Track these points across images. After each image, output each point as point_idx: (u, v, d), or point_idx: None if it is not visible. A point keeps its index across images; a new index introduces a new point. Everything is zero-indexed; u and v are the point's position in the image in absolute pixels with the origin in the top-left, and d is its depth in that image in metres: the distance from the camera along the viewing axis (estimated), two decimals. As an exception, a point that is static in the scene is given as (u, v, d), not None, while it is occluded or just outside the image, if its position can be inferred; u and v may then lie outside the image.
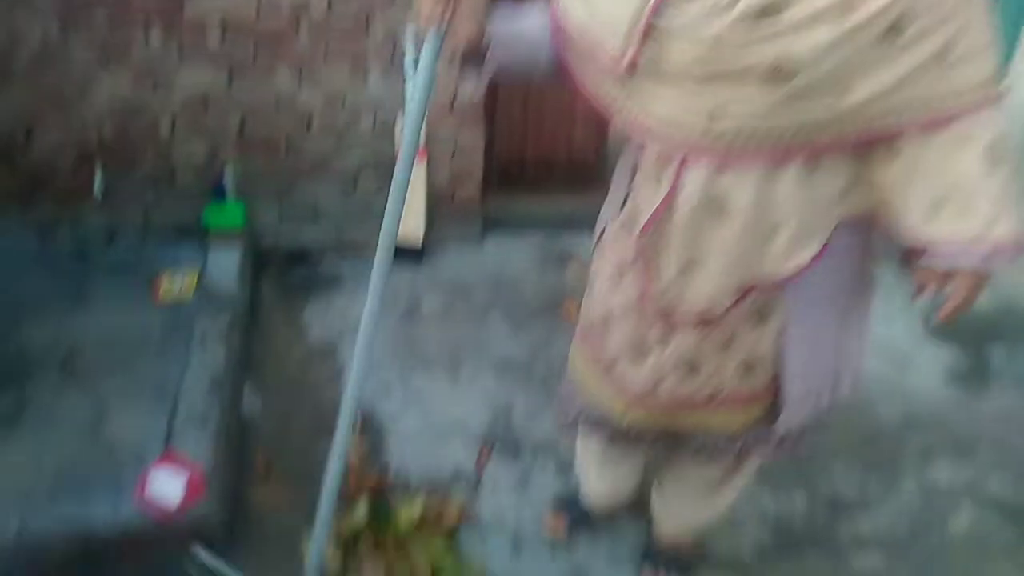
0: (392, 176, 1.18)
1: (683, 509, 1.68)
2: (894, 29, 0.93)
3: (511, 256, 2.64)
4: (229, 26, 2.18)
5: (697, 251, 1.15)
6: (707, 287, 1.17)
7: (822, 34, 0.93)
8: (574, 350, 1.47)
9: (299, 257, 2.55)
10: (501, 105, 2.60)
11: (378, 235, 1.21)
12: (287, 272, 2.51)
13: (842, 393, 1.30)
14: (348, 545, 1.79)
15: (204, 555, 1.54)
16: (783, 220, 1.09)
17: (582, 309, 1.43)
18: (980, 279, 1.06)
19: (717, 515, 1.67)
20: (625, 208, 1.24)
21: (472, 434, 2.09)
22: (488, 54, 1.15)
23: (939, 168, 1.01)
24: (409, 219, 2.49)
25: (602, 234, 1.34)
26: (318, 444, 1.86)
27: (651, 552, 1.81)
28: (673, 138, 1.07)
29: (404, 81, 2.31)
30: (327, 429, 1.49)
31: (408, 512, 1.84)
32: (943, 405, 2.28)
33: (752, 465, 1.53)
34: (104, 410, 1.88)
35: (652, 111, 1.07)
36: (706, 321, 1.20)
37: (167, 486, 1.70)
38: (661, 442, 1.45)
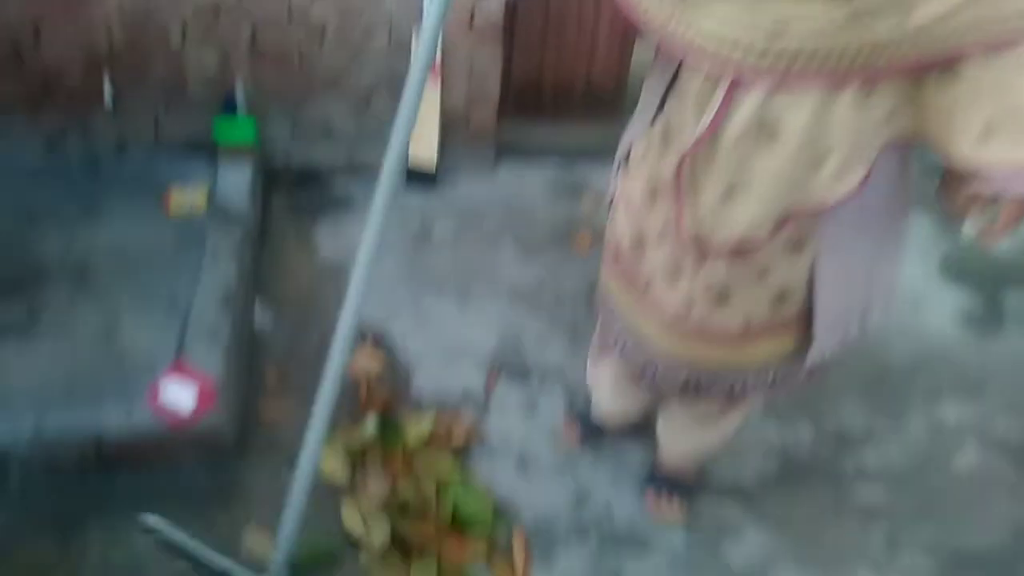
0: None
1: (688, 435, 1.69)
2: None
3: (524, 184, 2.60)
4: (241, -69, 2.10)
5: (741, 177, 1.10)
6: (747, 215, 1.12)
7: None
8: (605, 275, 1.45)
9: (310, 177, 2.51)
10: (520, 27, 2.52)
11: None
12: (298, 192, 2.49)
13: (872, 322, 1.29)
14: (356, 459, 1.82)
15: (159, 523, 1.50)
16: (835, 145, 1.05)
17: (608, 233, 1.40)
18: None
19: (722, 443, 1.68)
20: (657, 127, 1.19)
21: (481, 357, 2.10)
22: None
23: (998, 91, 0.96)
24: (422, 143, 2.45)
25: (628, 154, 1.31)
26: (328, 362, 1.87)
27: (655, 475, 1.83)
28: (728, 59, 1.01)
29: (421, -5, 2.23)
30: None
31: (417, 429, 1.86)
32: (955, 346, 2.27)
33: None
34: (116, 320, 1.89)
35: (705, 29, 1.01)
36: (742, 251, 1.16)
37: (179, 395, 1.72)
38: (688, 386, 1.42)
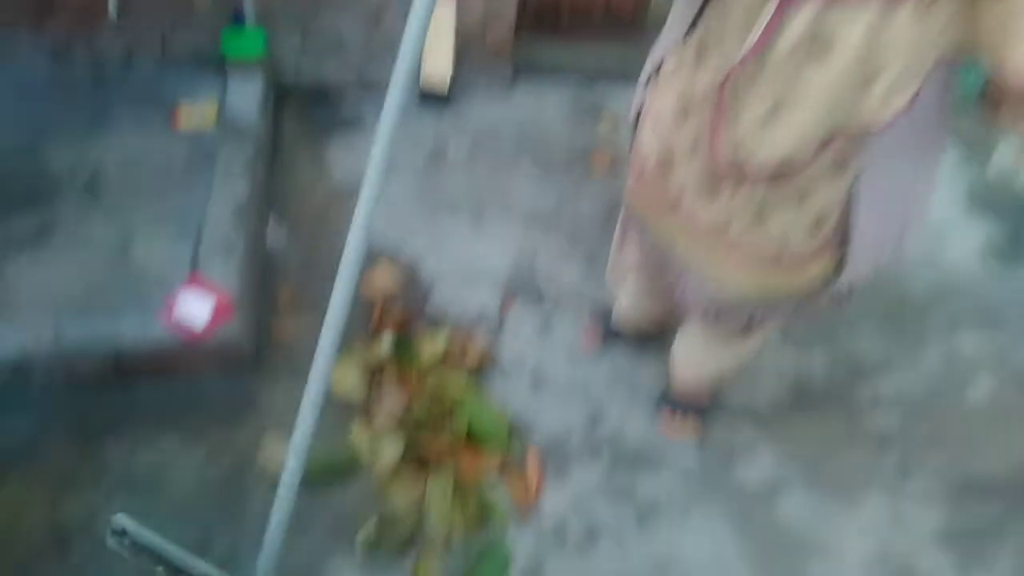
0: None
1: (705, 356, 1.68)
2: None
3: (541, 105, 2.53)
4: None
5: (788, 95, 1.04)
6: (791, 135, 1.07)
7: None
8: (630, 192, 1.41)
9: (320, 94, 2.45)
10: (539, -61, 2.41)
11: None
12: (308, 110, 2.43)
13: (905, 247, 1.25)
14: (372, 377, 1.83)
15: (130, 524, 1.28)
16: (888, 62, 0.99)
17: (634, 150, 1.35)
18: None
19: (738, 364, 1.67)
20: (692, 39, 1.13)
21: (496, 279, 2.08)
22: None
23: None
24: (437, 62, 2.37)
25: (659, 67, 1.25)
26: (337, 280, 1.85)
27: (669, 395, 1.84)
28: None
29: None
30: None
31: (432, 347, 1.86)
32: (976, 277, 2.24)
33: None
34: (129, 234, 1.87)
35: None
36: (782, 174, 1.11)
37: (194, 308, 1.72)
38: (710, 312, 1.40)
